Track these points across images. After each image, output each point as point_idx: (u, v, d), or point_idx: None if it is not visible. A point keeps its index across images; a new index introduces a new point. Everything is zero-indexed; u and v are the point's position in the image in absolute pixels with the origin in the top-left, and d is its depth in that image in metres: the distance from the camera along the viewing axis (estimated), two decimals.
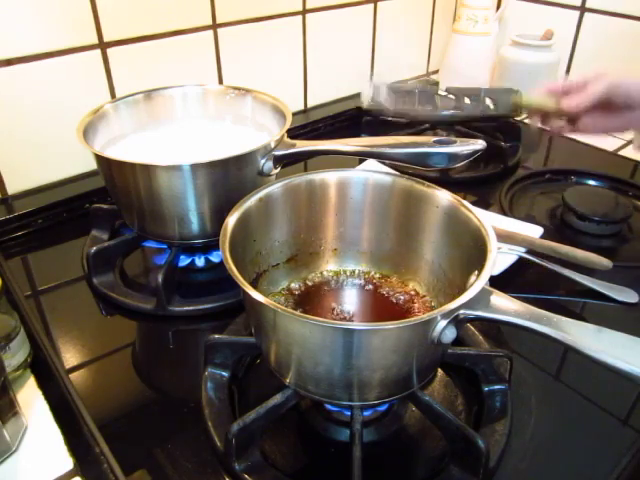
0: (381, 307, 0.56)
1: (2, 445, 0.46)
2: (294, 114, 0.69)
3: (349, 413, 0.46)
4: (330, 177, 0.56)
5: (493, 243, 0.45)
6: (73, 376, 0.55)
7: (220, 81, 0.94)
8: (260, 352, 0.51)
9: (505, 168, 0.93)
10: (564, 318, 0.40)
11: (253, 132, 0.74)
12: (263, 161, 0.62)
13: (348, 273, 0.60)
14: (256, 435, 0.46)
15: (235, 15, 0.91)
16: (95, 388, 0.55)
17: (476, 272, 0.44)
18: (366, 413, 0.48)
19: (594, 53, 1.13)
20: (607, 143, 1.02)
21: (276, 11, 0.95)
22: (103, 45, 0.80)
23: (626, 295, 0.64)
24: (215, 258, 0.69)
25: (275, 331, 0.44)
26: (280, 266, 0.57)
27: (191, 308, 0.62)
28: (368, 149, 0.59)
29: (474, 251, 0.47)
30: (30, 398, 0.51)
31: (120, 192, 0.65)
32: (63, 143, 0.79)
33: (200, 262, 0.69)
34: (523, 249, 0.67)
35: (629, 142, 1.02)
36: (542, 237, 0.71)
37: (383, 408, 0.50)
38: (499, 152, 0.93)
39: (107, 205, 0.74)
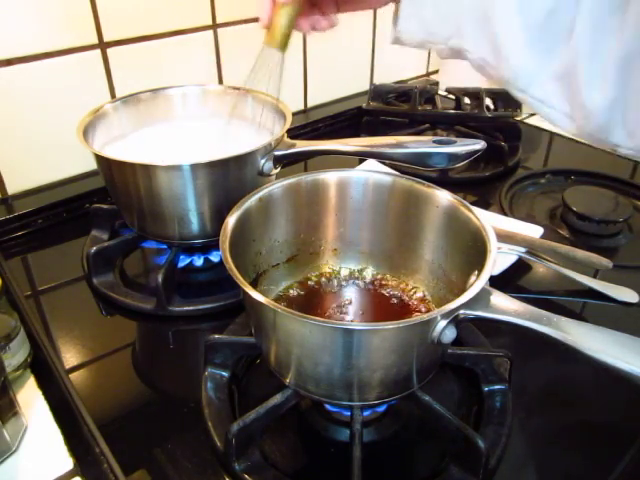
0: (381, 307, 0.56)
1: (2, 445, 0.46)
2: (294, 114, 0.69)
3: (349, 413, 0.46)
4: (330, 177, 0.56)
5: (493, 243, 0.45)
6: (73, 376, 0.55)
7: (220, 81, 0.94)
8: (260, 352, 0.51)
9: (505, 168, 0.93)
10: (564, 318, 0.40)
11: (253, 132, 0.74)
12: (263, 161, 0.62)
13: (348, 273, 0.59)
14: (256, 435, 0.46)
15: (235, 15, 0.91)
16: (95, 388, 0.55)
17: (476, 272, 0.44)
18: (366, 413, 0.48)
19: None
20: None
21: None
22: (103, 45, 0.80)
23: (626, 295, 0.64)
24: (215, 258, 0.69)
25: (275, 331, 0.44)
26: (280, 266, 0.57)
27: (191, 308, 0.62)
28: (368, 149, 0.59)
29: (474, 251, 0.47)
30: (30, 398, 0.51)
31: (120, 192, 0.65)
32: (63, 143, 0.79)
33: (200, 262, 0.69)
34: (523, 249, 0.67)
35: None
36: (542, 237, 0.71)
37: (383, 408, 0.50)
38: (499, 152, 0.93)
39: (107, 205, 0.74)
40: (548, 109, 0.46)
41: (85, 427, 0.47)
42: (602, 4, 0.41)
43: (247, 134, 0.74)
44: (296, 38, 1.06)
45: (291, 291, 0.57)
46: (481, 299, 0.41)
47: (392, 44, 0.54)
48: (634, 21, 0.39)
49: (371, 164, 0.86)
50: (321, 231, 0.58)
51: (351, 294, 0.57)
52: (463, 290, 0.42)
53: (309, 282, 0.58)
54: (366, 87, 1.15)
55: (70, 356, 0.57)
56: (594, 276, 0.68)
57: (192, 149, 0.72)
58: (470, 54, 0.48)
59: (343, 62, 1.12)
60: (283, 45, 0.55)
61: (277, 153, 0.63)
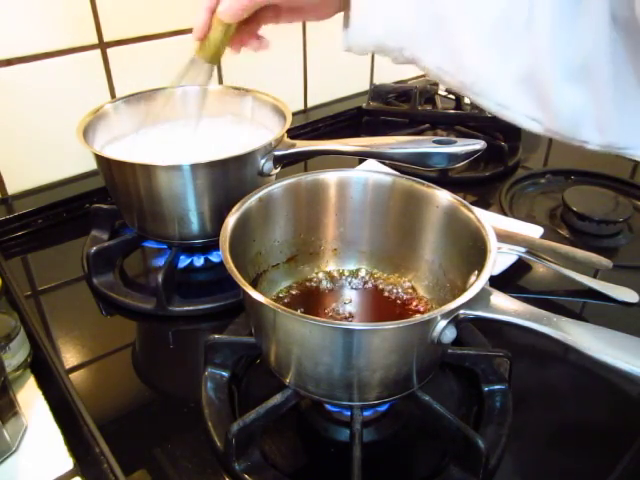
0: (381, 307, 0.56)
1: (2, 445, 0.46)
2: (294, 114, 0.69)
3: (349, 413, 0.46)
4: (330, 177, 0.56)
5: (493, 243, 0.45)
6: (73, 376, 0.55)
7: (220, 81, 0.94)
8: (260, 352, 0.51)
9: (505, 168, 0.93)
10: (564, 318, 0.40)
11: (253, 132, 0.74)
12: (263, 161, 0.62)
13: (348, 273, 0.59)
14: (256, 435, 0.46)
15: None
16: (95, 388, 0.55)
17: (476, 272, 0.44)
18: (366, 413, 0.48)
19: None
20: None
21: None
22: (103, 45, 0.80)
23: (626, 295, 0.64)
24: (215, 258, 0.69)
25: (275, 331, 0.44)
26: (280, 266, 0.57)
27: (191, 308, 0.62)
28: (368, 149, 0.59)
29: (474, 251, 0.47)
30: (30, 398, 0.51)
31: (120, 192, 0.65)
32: (63, 143, 0.79)
33: (200, 262, 0.69)
34: (523, 249, 0.67)
35: None
36: (542, 237, 0.71)
37: (383, 408, 0.50)
38: (499, 152, 0.93)
39: (107, 205, 0.74)
40: (511, 113, 0.45)
41: (85, 427, 0.47)
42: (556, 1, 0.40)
43: (246, 134, 0.74)
44: (296, 38, 1.06)
45: (291, 291, 0.57)
46: (481, 299, 0.41)
47: (345, 51, 0.53)
48: (589, 22, 0.39)
49: (371, 164, 0.86)
50: (321, 231, 0.58)
51: (351, 294, 0.57)
52: (463, 290, 0.42)
53: (309, 282, 0.58)
54: (366, 87, 1.15)
55: (70, 356, 0.57)
56: (594, 276, 0.68)
57: (192, 149, 0.72)
58: (425, 63, 0.47)
59: (343, 62, 1.11)
60: (216, 59, 0.55)
61: (277, 153, 0.63)
